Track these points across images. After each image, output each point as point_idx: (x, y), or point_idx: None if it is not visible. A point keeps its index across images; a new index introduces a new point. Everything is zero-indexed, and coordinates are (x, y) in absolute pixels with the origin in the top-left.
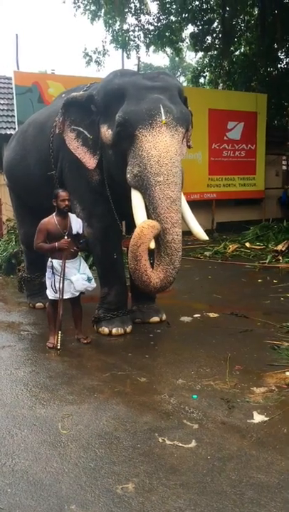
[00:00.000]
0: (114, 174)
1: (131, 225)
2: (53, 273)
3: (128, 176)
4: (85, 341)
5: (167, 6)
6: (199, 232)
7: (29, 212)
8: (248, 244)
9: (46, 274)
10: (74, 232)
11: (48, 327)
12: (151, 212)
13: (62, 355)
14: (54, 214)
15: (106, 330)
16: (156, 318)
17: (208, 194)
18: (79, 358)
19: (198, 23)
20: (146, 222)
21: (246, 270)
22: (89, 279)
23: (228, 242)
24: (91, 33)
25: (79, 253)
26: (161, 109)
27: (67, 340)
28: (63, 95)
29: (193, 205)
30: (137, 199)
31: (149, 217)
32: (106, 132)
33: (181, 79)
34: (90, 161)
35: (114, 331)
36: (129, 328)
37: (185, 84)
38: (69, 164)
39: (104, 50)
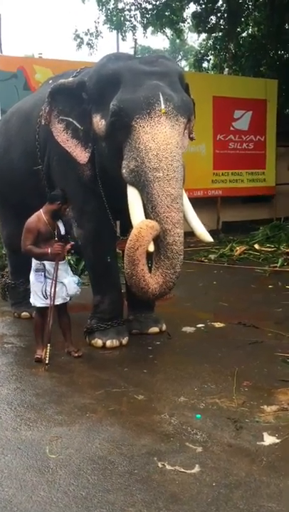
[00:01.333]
0: (107, 169)
1: (126, 226)
2: (45, 276)
3: (124, 170)
4: (76, 354)
5: None
6: (203, 233)
7: (13, 211)
8: (257, 246)
9: (33, 278)
10: (62, 232)
11: (35, 339)
12: (149, 211)
13: (50, 370)
14: (42, 212)
15: (99, 342)
16: (155, 329)
17: (213, 191)
18: (69, 373)
19: (201, 2)
20: (144, 223)
21: (255, 275)
22: (78, 282)
23: (235, 243)
24: (83, 13)
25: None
26: (161, 96)
27: (56, 354)
28: (50, 81)
29: (196, 202)
30: (133, 197)
31: (147, 216)
32: (99, 123)
33: (183, 63)
34: (81, 155)
35: (108, 343)
36: (125, 340)
37: (187, 69)
38: (57, 158)
39: (96, 31)
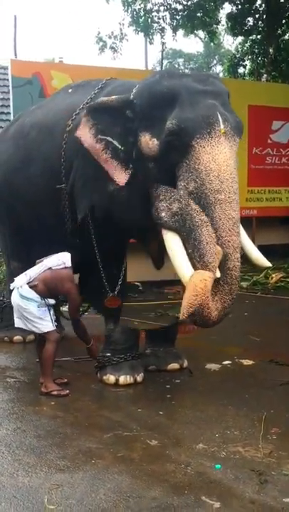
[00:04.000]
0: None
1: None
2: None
3: (181, 192)
4: (63, 393)
5: None
6: (259, 257)
7: (19, 228)
8: None
9: (36, 311)
10: None
11: (45, 371)
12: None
13: (55, 409)
14: None
15: (112, 378)
16: (175, 365)
17: (248, 210)
18: (76, 412)
19: (237, 2)
20: (206, 273)
21: None
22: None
23: (271, 270)
24: (106, 14)
25: None
26: (219, 117)
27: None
28: (70, 90)
29: None
30: (175, 244)
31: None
32: (149, 142)
33: (218, 68)
34: (120, 176)
35: (121, 379)
36: (140, 377)
37: (221, 75)
38: (84, 177)
39: (121, 34)
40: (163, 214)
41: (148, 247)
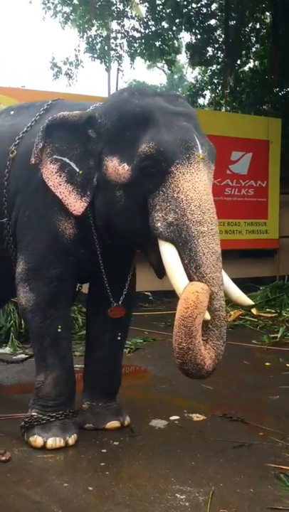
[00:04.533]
0: (119, 223)
1: (114, 288)
2: None
3: (159, 224)
4: (3, 458)
5: (158, 9)
6: (240, 296)
7: None
8: (254, 311)
9: None
10: None
11: None
12: (192, 271)
13: None
14: None
15: (40, 440)
16: (115, 423)
17: None
18: None
19: (196, 31)
20: (199, 285)
21: (251, 348)
22: None
23: (230, 306)
24: (62, 40)
25: None
26: (197, 140)
27: None
28: (12, 112)
29: None
30: (172, 256)
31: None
32: (118, 167)
33: None
34: (75, 204)
35: (49, 442)
36: (72, 439)
37: None
38: (31, 211)
39: (77, 60)
40: (158, 224)
41: (148, 256)
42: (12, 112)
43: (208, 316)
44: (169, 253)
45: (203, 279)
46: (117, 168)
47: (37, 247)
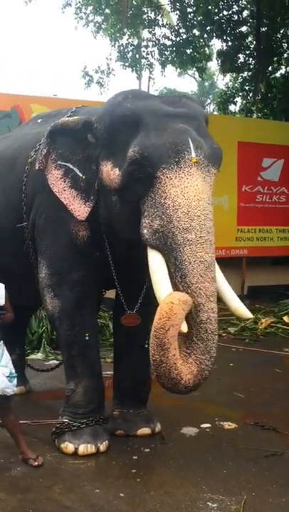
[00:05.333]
0: (117, 228)
1: (130, 296)
2: None
3: (145, 231)
4: (36, 463)
5: (189, 17)
6: (239, 307)
7: None
8: (286, 319)
9: None
10: None
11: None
12: (177, 281)
13: None
14: None
15: (71, 447)
16: (145, 430)
17: (237, 250)
18: (21, 493)
19: (227, 38)
20: (175, 296)
21: (283, 356)
22: (11, 377)
23: (261, 314)
24: (94, 49)
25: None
26: (190, 143)
27: (12, 463)
28: (39, 120)
29: (218, 263)
30: (157, 263)
31: (174, 287)
32: (110, 172)
33: (212, 108)
34: (79, 210)
35: (81, 448)
36: (103, 446)
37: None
38: (46, 214)
39: (108, 68)
40: (145, 231)
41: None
42: (39, 120)
43: (184, 329)
44: (153, 261)
45: (188, 290)
46: (110, 173)
47: (56, 251)
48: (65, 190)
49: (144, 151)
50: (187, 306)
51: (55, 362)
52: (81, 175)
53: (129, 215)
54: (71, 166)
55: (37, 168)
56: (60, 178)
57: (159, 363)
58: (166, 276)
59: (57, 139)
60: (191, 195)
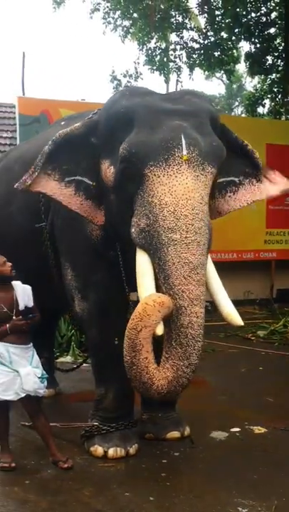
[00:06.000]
0: (118, 228)
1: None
2: None
3: (132, 230)
4: (65, 466)
5: (217, 19)
6: (231, 313)
7: None
8: None
9: None
10: (21, 306)
11: None
12: (161, 282)
13: (27, 489)
14: None
15: (100, 450)
16: (175, 434)
17: (266, 253)
18: (51, 495)
19: (255, 40)
20: (151, 298)
21: None
22: (42, 378)
23: None
24: (122, 53)
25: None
26: (183, 140)
27: (42, 465)
28: (62, 122)
29: (246, 266)
30: (142, 263)
31: (159, 289)
32: (107, 170)
33: (240, 110)
34: (97, 216)
35: (110, 452)
36: (133, 449)
37: (242, 114)
38: (64, 214)
39: (136, 72)
40: (132, 230)
41: None
42: (62, 123)
43: (159, 331)
44: (139, 262)
45: (170, 291)
46: (106, 171)
47: (76, 252)
48: (82, 204)
49: (131, 147)
50: (164, 308)
51: (85, 365)
52: (91, 182)
53: (124, 214)
54: (80, 178)
55: (20, 188)
56: (74, 194)
57: (130, 365)
58: (151, 279)
59: (57, 154)
60: (179, 194)
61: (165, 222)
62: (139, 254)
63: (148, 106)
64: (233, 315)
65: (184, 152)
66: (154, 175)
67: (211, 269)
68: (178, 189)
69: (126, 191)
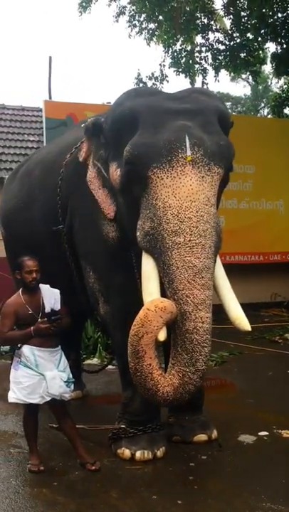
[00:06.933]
0: (127, 230)
1: None
2: (19, 363)
3: (138, 233)
4: (93, 468)
5: (243, 20)
6: (239, 317)
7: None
8: None
9: (12, 365)
10: (47, 309)
11: (28, 443)
12: (165, 286)
13: (56, 491)
14: (20, 291)
15: (127, 452)
16: (202, 437)
17: None
18: (79, 497)
19: (281, 41)
20: (153, 303)
21: None
22: (69, 382)
23: None
24: (147, 56)
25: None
26: (187, 140)
27: (69, 467)
28: (83, 125)
29: (273, 269)
30: (147, 267)
31: (163, 294)
32: (114, 173)
33: (265, 111)
34: (109, 208)
35: (138, 454)
36: (160, 452)
37: (268, 115)
38: (81, 216)
39: (162, 75)
40: (138, 233)
41: None
42: (83, 125)
43: (161, 337)
44: (144, 266)
45: (175, 296)
46: (114, 173)
47: (96, 254)
48: (99, 189)
49: (135, 149)
50: (166, 313)
51: (111, 367)
52: (106, 175)
53: (132, 217)
54: (100, 165)
55: (81, 160)
56: (96, 177)
57: (135, 372)
58: (155, 283)
59: (91, 136)
60: (183, 196)
61: (169, 225)
62: (145, 258)
63: (152, 106)
64: (241, 319)
65: (188, 153)
66: (158, 177)
67: (220, 272)
68: (182, 191)
69: (132, 194)
